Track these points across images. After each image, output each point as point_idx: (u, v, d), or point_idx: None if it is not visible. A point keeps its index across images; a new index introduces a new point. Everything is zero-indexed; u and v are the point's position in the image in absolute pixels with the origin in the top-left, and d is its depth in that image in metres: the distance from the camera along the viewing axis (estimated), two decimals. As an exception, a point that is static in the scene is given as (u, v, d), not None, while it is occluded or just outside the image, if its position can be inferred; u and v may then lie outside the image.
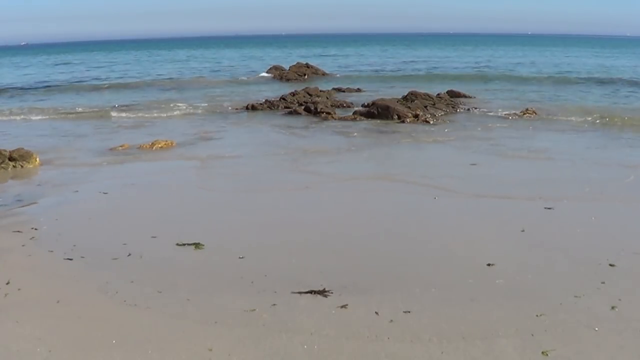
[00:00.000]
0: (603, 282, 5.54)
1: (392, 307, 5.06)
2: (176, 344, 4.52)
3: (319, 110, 18.11)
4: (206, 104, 20.92)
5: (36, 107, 20.90)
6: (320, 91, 22.50)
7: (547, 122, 16.52)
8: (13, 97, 25.53)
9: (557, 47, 72.49)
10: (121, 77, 33.95)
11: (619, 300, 5.15)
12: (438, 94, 20.71)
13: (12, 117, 18.94)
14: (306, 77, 30.31)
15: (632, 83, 26.76)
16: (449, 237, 6.94)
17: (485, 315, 4.92)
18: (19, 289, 5.49)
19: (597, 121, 16.39)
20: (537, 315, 4.89)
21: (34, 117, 18.72)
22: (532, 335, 4.58)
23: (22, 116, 18.92)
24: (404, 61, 44.69)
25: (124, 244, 6.70)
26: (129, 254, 6.40)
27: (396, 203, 8.43)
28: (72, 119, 18.60)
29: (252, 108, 20.02)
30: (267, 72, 32.38)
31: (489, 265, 5.99)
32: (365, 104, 19.04)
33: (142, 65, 46.88)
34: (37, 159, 11.29)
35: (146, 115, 18.63)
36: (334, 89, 24.71)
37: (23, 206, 8.44)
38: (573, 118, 16.91)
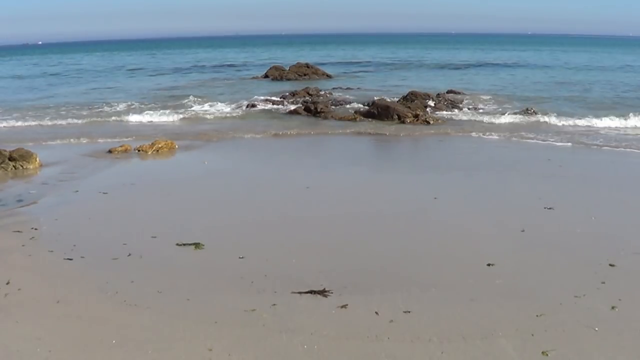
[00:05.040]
0: (603, 282, 5.53)
1: (392, 307, 5.06)
2: (176, 344, 4.51)
3: (319, 110, 18.13)
4: (206, 104, 20.91)
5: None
6: (320, 91, 22.53)
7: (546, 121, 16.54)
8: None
9: (592, 48, 70.39)
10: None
11: (619, 300, 5.15)
12: (438, 94, 20.75)
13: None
14: (306, 77, 30.31)
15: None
16: (449, 237, 6.94)
17: (485, 315, 4.92)
18: (19, 289, 5.48)
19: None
20: (537, 315, 4.88)
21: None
22: (532, 335, 4.58)
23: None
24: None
25: (124, 244, 6.69)
26: (129, 254, 6.40)
27: (396, 203, 8.42)
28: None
29: (253, 107, 20.05)
30: (267, 72, 32.36)
31: (489, 265, 5.99)
32: (366, 103, 19.07)
33: (144, 66, 46.85)
34: (37, 159, 11.27)
35: (145, 118, 18.57)
36: (334, 88, 24.74)
37: (23, 206, 8.44)
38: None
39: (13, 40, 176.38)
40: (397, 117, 16.69)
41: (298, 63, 32.98)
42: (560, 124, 16.13)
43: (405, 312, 4.98)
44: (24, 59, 62.94)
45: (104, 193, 9.10)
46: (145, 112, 19.03)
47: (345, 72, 34.98)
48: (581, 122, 16.14)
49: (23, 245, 6.69)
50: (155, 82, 30.98)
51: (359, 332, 4.66)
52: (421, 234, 7.08)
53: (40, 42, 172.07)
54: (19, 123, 17.10)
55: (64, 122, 17.23)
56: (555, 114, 17.30)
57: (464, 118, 17.42)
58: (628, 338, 4.54)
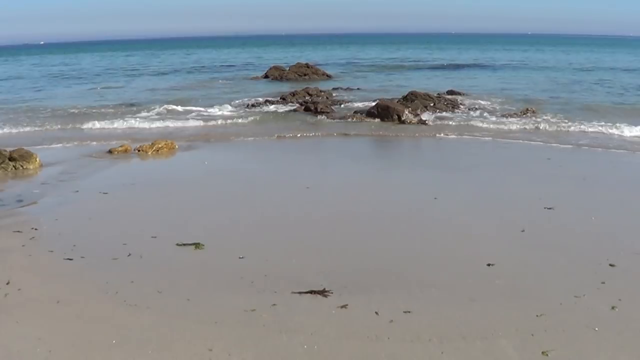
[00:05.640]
0: (603, 282, 5.53)
1: (392, 307, 5.06)
2: (176, 344, 4.52)
3: (319, 110, 18.14)
4: (206, 105, 20.91)
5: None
6: (320, 91, 22.53)
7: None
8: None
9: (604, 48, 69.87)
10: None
11: (619, 300, 5.15)
12: (438, 94, 20.76)
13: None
14: (306, 77, 30.31)
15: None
16: (449, 237, 6.94)
17: (485, 315, 4.92)
18: (19, 289, 5.48)
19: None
20: (537, 315, 4.88)
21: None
22: (532, 335, 4.58)
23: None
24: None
25: (124, 244, 6.69)
26: (129, 254, 6.40)
27: (396, 203, 8.42)
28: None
29: (253, 107, 20.05)
30: (267, 73, 32.36)
31: (489, 265, 5.99)
32: (366, 103, 19.07)
33: (146, 64, 46.86)
34: (37, 159, 11.27)
35: (144, 118, 18.58)
36: (334, 88, 24.75)
37: (23, 206, 8.44)
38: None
39: (14, 41, 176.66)
40: (397, 117, 16.69)
41: (298, 63, 32.95)
42: (560, 124, 16.09)
43: (405, 312, 4.98)
44: (26, 59, 62.92)
45: (104, 193, 9.10)
46: (145, 112, 19.03)
47: (345, 72, 34.97)
48: (582, 123, 16.09)
49: (23, 245, 6.69)
50: (155, 82, 30.94)
51: (359, 332, 4.66)
52: (421, 234, 7.08)
53: (42, 42, 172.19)
54: (18, 125, 17.05)
55: (64, 124, 17.20)
56: (555, 115, 17.29)
57: (464, 118, 17.40)
58: (628, 338, 4.54)
